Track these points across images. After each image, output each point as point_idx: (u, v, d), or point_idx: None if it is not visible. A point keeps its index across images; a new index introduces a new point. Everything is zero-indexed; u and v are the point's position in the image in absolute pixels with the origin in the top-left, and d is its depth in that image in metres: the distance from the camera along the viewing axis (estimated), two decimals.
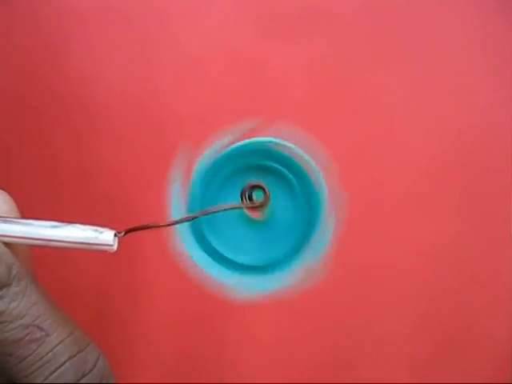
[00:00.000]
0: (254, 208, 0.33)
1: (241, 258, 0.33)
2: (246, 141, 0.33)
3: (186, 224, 0.33)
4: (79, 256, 0.34)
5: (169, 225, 0.28)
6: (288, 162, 0.33)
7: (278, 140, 0.33)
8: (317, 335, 0.35)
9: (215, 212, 0.30)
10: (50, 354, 0.23)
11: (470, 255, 0.35)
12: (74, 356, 0.24)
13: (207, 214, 0.31)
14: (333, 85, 0.35)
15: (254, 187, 0.33)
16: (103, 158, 0.35)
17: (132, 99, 0.35)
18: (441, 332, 0.35)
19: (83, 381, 0.24)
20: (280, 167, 0.33)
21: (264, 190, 0.33)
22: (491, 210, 0.35)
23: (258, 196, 0.33)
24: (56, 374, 0.23)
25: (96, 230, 0.25)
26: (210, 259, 0.33)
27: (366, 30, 0.34)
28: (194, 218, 0.29)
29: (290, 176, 0.33)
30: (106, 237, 0.25)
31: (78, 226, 0.26)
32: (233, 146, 0.33)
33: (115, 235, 0.26)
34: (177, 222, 0.28)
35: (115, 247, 0.26)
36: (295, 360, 0.35)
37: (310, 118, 0.34)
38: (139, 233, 0.26)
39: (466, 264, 0.35)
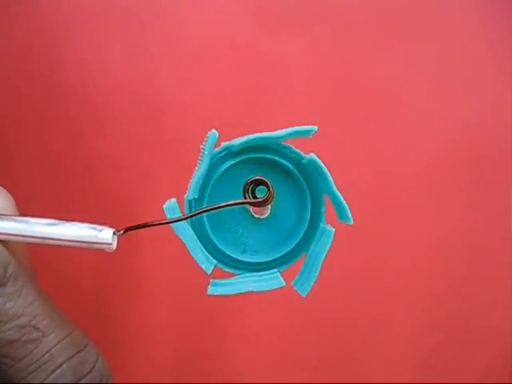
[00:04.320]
0: (258, 204, 0.32)
1: (244, 256, 0.32)
2: (250, 136, 0.32)
3: (188, 221, 0.32)
4: (77, 252, 0.34)
5: (170, 222, 0.27)
6: (290, 156, 0.32)
7: (280, 134, 0.32)
8: (317, 332, 0.35)
9: (217, 209, 0.29)
10: (47, 355, 0.23)
11: (474, 253, 0.35)
12: (72, 357, 0.23)
13: (208, 211, 0.30)
14: (335, 77, 0.34)
15: (256, 183, 0.32)
16: (103, 152, 0.34)
17: (132, 92, 0.34)
18: (445, 329, 0.36)
19: (82, 382, 0.23)
20: (282, 161, 0.32)
21: (267, 185, 0.32)
22: (496, 206, 0.34)
23: (261, 192, 0.32)
24: (53, 375, 0.23)
25: (94, 228, 0.25)
26: (213, 257, 0.32)
27: (368, 22, 0.34)
28: (195, 215, 0.28)
29: (293, 170, 0.32)
30: (104, 235, 0.25)
31: (76, 223, 0.25)
32: (237, 141, 0.32)
33: (114, 233, 0.25)
34: (178, 220, 0.27)
35: (114, 246, 0.25)
36: (296, 357, 0.35)
37: (312, 111, 0.34)
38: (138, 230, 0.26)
39: (470, 261, 0.35)
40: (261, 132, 0.30)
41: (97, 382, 0.24)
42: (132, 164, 0.34)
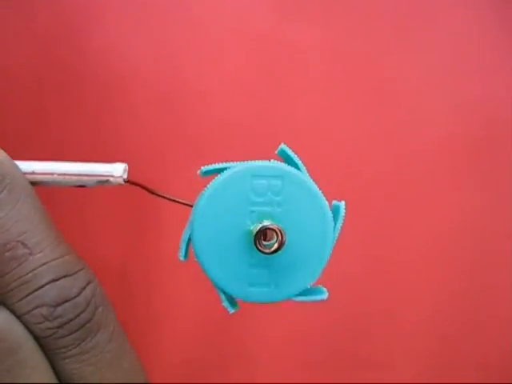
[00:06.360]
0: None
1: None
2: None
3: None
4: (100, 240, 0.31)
5: None
6: None
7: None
8: (330, 333, 0.33)
9: None
10: (30, 274, 0.20)
11: (482, 242, 0.33)
12: (58, 280, 0.20)
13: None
14: (351, 67, 0.35)
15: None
16: (123, 141, 0.34)
17: (153, 80, 0.35)
18: (445, 329, 0.33)
19: (63, 306, 0.20)
20: None
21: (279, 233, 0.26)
22: (503, 203, 0.33)
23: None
24: (32, 295, 0.20)
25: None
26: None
27: (386, 13, 0.36)
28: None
29: None
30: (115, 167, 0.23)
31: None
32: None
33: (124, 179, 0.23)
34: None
35: (125, 176, 0.23)
36: (308, 358, 0.33)
37: (328, 100, 0.34)
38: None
39: (472, 262, 0.33)
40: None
41: (81, 308, 0.20)
42: (151, 153, 0.34)
